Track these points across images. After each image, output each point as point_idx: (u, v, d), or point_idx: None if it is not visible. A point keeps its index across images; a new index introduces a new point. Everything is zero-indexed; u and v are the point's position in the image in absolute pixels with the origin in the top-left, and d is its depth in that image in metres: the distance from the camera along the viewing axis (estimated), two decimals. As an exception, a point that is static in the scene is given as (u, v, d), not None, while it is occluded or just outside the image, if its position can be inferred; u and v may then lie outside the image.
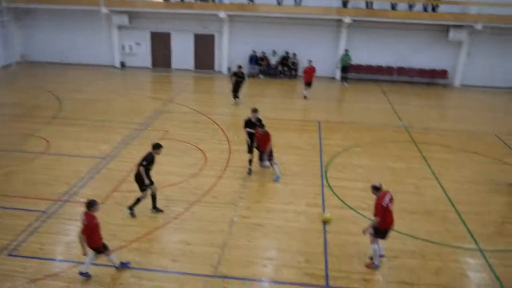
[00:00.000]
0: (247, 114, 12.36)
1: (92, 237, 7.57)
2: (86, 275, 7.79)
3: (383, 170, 12.51)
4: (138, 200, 9.63)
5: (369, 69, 23.88)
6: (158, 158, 12.71)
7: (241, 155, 12.91)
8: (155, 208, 9.94)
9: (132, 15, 23.95)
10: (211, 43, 24.39)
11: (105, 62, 25.22)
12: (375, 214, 7.80)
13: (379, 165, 12.82)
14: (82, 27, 24.69)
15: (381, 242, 8.21)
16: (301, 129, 15.72)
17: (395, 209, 10.28)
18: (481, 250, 8.93)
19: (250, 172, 11.86)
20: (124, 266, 8.10)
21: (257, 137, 11.43)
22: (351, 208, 10.29)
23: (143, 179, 9.34)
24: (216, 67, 24.70)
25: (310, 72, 19.32)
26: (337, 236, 9.19)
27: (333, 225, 9.59)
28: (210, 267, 8.15)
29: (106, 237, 8.91)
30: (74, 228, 9.28)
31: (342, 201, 10.61)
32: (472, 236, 9.40)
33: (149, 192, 9.64)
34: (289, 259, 8.46)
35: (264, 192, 11.04)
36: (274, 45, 23.77)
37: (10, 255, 8.41)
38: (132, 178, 11.32)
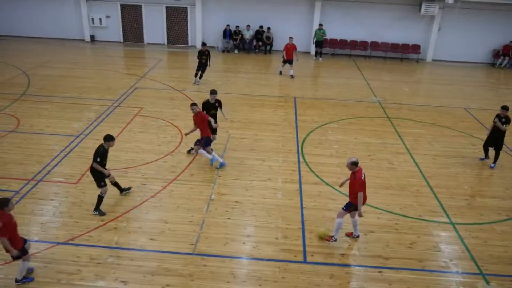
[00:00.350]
0: (224, 89, 12.25)
1: (13, 239, 6.83)
2: (27, 279, 7.22)
3: (358, 145, 12.71)
4: (100, 198, 9.01)
5: (343, 43, 23.92)
6: (133, 136, 12.60)
7: (219, 133, 12.84)
8: (122, 191, 9.63)
9: (98, -13, 23.07)
10: (184, 17, 23.82)
11: (74, 35, 24.31)
12: (358, 190, 7.76)
13: (354, 141, 13.02)
14: (49, -1, 23.65)
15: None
16: (276, 105, 15.72)
17: (371, 184, 10.57)
18: (452, 223, 9.28)
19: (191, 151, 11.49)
20: (27, 280, 7.21)
21: (194, 120, 10.78)
22: (328, 184, 10.46)
23: (99, 175, 8.85)
24: (190, 42, 24.21)
25: (291, 49, 18.99)
26: (314, 212, 9.36)
27: (310, 201, 9.74)
28: (189, 245, 8.19)
29: (84, 217, 8.87)
30: (50, 208, 9.15)
31: (319, 177, 10.76)
32: (444, 210, 9.74)
33: (106, 187, 9.03)
34: (267, 235, 8.58)
35: (242, 169, 11.06)
36: (248, 19, 23.41)
37: (-17, 237, 8.21)
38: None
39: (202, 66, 17.28)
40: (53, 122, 13.37)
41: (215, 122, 11.17)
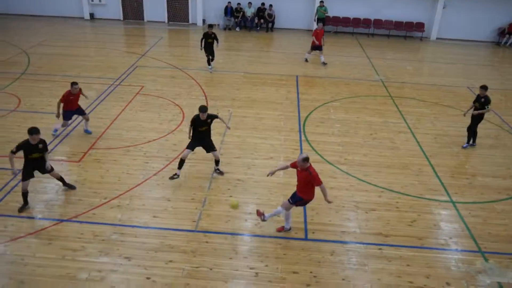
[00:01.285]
0: (226, 67, 12.13)
1: None
2: None
3: (360, 124, 12.69)
4: (23, 194, 8.45)
5: (346, 21, 23.63)
6: (134, 115, 12.59)
7: (220, 111, 12.84)
8: (66, 185, 9.06)
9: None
10: (185, -6, 23.52)
11: (73, 13, 24.04)
12: (319, 183, 7.43)
13: (356, 120, 12.99)
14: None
15: (359, 195, 8.45)
16: (278, 84, 15.63)
17: (372, 163, 10.61)
18: (453, 202, 9.33)
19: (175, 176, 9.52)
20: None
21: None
22: (329, 163, 10.49)
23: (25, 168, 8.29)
24: (191, 19, 23.92)
25: (320, 34, 17.44)
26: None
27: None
28: (191, 222, 8.27)
29: (88, 194, 8.94)
30: (53, 186, 9.20)
31: (321, 156, 10.78)
32: (445, 189, 9.78)
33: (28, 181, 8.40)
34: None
35: (244, 148, 11.08)
36: (250, -4, 23.11)
37: (-12, 214, 8.32)
38: (108, 135, 11.22)
39: (209, 50, 16.06)
40: (54, 101, 13.22)
41: (210, 137, 9.71)
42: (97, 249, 7.54)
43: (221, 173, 9.83)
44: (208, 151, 9.66)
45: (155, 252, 7.53)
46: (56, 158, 10.21)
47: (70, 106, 10.90)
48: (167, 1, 23.59)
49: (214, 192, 9.23)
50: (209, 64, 16.28)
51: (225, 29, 23.30)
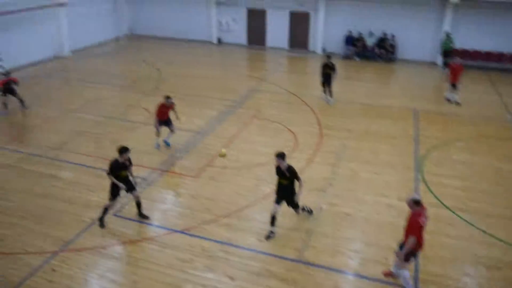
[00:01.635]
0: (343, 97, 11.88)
1: None
2: None
3: (486, 169, 11.56)
4: (105, 210, 8.82)
5: (475, 55, 21.94)
6: (250, 137, 13.04)
7: (333, 140, 12.74)
8: (141, 215, 9.15)
9: (230, -9, 24.37)
10: (306, 22, 24.00)
11: (203, 37, 26.03)
12: (410, 232, 6.78)
13: (482, 163, 11.86)
14: (183, 3, 25.62)
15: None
16: (396, 117, 14.99)
17: (499, 214, 9.53)
18: None
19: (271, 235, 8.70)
20: None
21: None
22: (448, 208, 9.70)
23: (113, 187, 8.62)
24: (311, 47, 24.33)
25: (458, 70, 15.94)
26: (431, 237, 8.72)
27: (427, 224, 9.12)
28: (295, 251, 8.22)
29: (200, 209, 9.42)
30: (171, 197, 9.90)
31: (438, 199, 10.02)
32: None
33: (116, 201, 8.85)
34: (376, 254, 8.24)
35: (355, 181, 10.78)
36: (371, 25, 22.74)
37: (115, 215, 9.21)
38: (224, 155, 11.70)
39: (326, 80, 15.70)
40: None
41: (292, 192, 8.67)
42: (203, 264, 7.87)
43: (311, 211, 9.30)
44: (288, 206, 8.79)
45: (257, 276, 7.62)
46: (176, 171, 10.99)
47: (161, 117, 11.83)
48: (289, 29, 24.32)
49: (320, 224, 9.08)
50: (325, 93, 16.12)
51: (344, 58, 23.22)
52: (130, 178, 8.86)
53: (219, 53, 24.08)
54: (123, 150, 8.46)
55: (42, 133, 13.24)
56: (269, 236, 8.63)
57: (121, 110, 15.00)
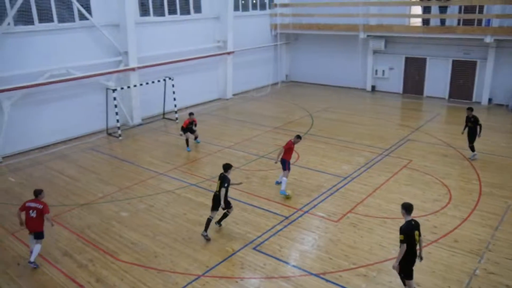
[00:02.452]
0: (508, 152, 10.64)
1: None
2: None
3: None
4: (225, 216, 10.48)
5: None
6: (398, 187, 12.43)
7: (495, 200, 11.36)
8: (219, 222, 10.56)
9: (388, 40, 24.12)
10: (472, 71, 22.27)
11: (357, 85, 26.12)
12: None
13: None
14: (340, 51, 26.25)
15: None
16: None
17: None
18: None
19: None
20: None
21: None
22: None
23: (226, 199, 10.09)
24: (475, 97, 22.40)
25: None
26: None
27: None
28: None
29: (338, 255, 9.21)
30: (310, 239, 9.89)
31: None
32: None
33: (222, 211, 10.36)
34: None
35: (520, 249, 9.35)
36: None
37: (254, 249, 9.57)
38: (369, 203, 11.37)
39: (470, 133, 14.33)
40: (326, 161, 14.56)
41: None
42: (337, 312, 7.60)
43: None
44: None
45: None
46: (317, 214, 11.01)
47: (287, 156, 11.95)
48: (451, 77, 22.88)
49: (473, 291, 8.04)
50: (472, 150, 14.47)
51: (513, 110, 20.79)
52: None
53: (373, 100, 23.80)
54: (228, 167, 10.09)
55: (201, 165, 14.66)
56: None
57: (270, 150, 15.78)
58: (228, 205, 10.23)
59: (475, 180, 12.76)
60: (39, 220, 9.09)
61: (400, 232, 7.26)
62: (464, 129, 14.49)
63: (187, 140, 16.24)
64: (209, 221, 10.08)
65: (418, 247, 7.49)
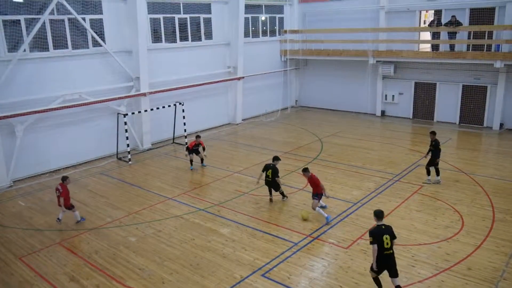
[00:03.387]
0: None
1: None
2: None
3: None
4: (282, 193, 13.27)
5: None
6: (408, 213, 12.24)
7: (508, 227, 11.12)
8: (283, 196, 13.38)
9: (398, 65, 24.22)
10: (482, 96, 22.17)
11: (367, 110, 26.15)
12: None
13: None
14: (349, 76, 26.38)
15: None
16: None
17: None
18: None
19: None
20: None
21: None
22: None
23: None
24: (486, 122, 22.23)
25: None
26: None
27: None
28: None
29: (348, 283, 9.02)
30: (319, 266, 9.72)
31: None
32: None
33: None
34: None
35: (537, 278, 9.08)
36: None
37: (263, 276, 9.42)
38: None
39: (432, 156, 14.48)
40: (335, 186, 14.44)
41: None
42: None
43: None
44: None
45: None
46: (327, 240, 10.85)
47: (317, 190, 11.98)
48: (461, 102, 22.78)
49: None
50: (427, 174, 14.61)
51: (528, 136, 20.56)
52: None
53: (382, 125, 23.73)
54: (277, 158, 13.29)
55: (210, 190, 14.62)
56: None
57: (280, 175, 15.69)
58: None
59: (488, 206, 12.52)
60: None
61: (369, 235, 8.21)
62: (428, 152, 14.58)
63: (191, 161, 16.73)
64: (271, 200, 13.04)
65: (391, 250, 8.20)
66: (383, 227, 8.24)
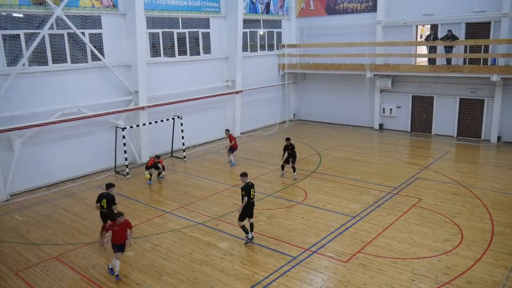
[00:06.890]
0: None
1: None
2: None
3: None
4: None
5: None
6: (408, 227, 12.20)
7: (508, 240, 11.07)
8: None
9: (395, 79, 24.38)
10: (479, 109, 22.28)
11: (364, 123, 26.22)
12: None
13: None
14: (347, 90, 26.52)
15: None
16: None
17: None
18: None
19: None
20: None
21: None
22: None
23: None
24: (483, 135, 22.30)
25: None
26: None
27: None
28: None
29: (347, 298, 8.94)
30: (318, 280, 9.63)
31: None
32: None
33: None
34: None
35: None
36: None
37: (263, 291, 9.33)
38: (378, 243, 11.14)
39: (291, 157, 16.79)
40: (334, 200, 14.40)
41: None
42: None
43: None
44: None
45: None
46: (326, 254, 10.77)
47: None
48: (459, 116, 22.88)
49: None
50: (293, 171, 16.73)
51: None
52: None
53: (380, 138, 23.78)
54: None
55: (208, 204, 14.55)
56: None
57: (277, 188, 15.69)
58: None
59: (487, 219, 12.48)
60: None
61: (242, 189, 11.08)
62: (283, 155, 17.06)
63: (150, 175, 16.97)
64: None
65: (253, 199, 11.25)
66: (250, 183, 11.24)
